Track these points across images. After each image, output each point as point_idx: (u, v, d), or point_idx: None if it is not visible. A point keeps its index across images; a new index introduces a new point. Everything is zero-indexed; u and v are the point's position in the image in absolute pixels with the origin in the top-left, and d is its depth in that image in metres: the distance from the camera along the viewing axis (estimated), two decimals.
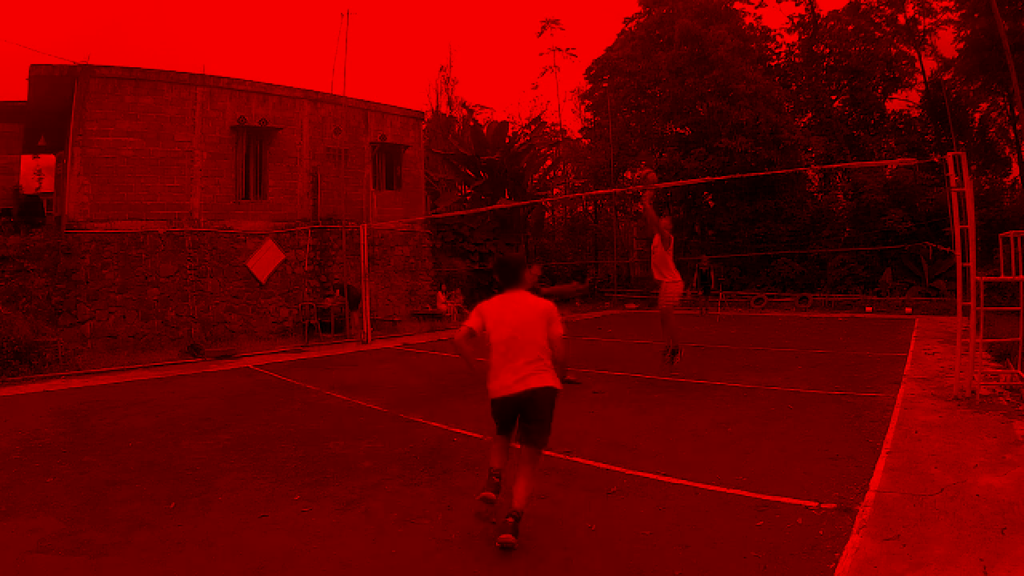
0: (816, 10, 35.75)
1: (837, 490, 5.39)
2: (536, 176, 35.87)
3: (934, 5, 33.41)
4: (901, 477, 5.66)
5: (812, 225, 31.08)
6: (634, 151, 36.59)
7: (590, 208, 40.09)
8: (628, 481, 5.79)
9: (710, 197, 34.15)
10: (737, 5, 36.85)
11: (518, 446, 4.93)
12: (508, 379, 4.81)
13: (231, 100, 18.91)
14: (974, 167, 18.67)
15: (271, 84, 19.89)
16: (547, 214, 38.38)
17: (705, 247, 29.89)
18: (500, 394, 4.87)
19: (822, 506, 5.05)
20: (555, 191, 38.69)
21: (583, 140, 43.50)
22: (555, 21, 49.73)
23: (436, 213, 25.99)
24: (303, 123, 20.45)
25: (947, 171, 8.16)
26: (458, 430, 7.62)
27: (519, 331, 4.86)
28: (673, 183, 24.85)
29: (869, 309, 24.19)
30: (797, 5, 36.46)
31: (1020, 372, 8.97)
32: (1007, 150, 31.67)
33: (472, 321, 5.04)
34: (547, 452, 6.55)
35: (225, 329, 18.03)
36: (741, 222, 31.30)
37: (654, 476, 5.89)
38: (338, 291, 19.44)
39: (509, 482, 4.85)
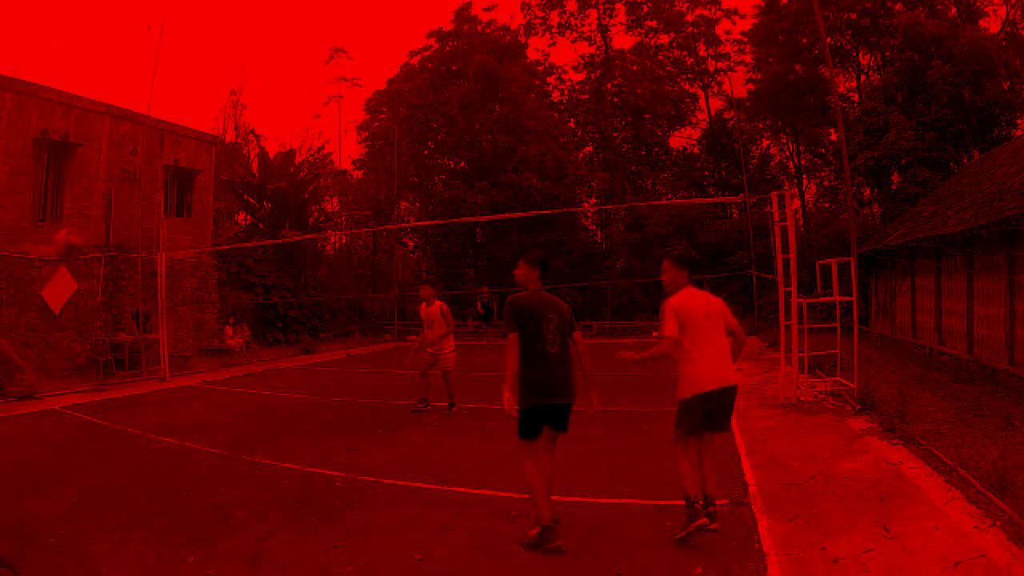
0: (610, 51, 38.31)
1: (719, 488, 5.89)
2: (315, 208, 35.03)
3: (728, 49, 37.30)
4: (771, 472, 6.40)
5: (591, 256, 32.96)
6: (415, 184, 36.90)
7: (368, 241, 39.68)
8: (523, 504, 5.83)
9: (479, 231, 35.06)
10: (530, 41, 38.88)
11: None
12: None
13: (37, 110, 16.73)
14: (754, 199, 21.01)
15: (75, 95, 17.90)
16: (327, 246, 37.68)
17: (483, 279, 30.64)
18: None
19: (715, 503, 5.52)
20: (336, 222, 38.09)
21: (355, 172, 43.21)
22: (342, 49, 49.26)
23: (227, 244, 24.68)
24: (102, 141, 18.56)
25: (768, 207, 9.13)
26: (315, 470, 7.28)
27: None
28: (453, 220, 25.54)
29: (656, 334, 25.90)
30: (591, 45, 39.02)
31: (840, 379, 10.17)
32: (786, 184, 35.06)
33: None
34: (426, 485, 6.61)
35: None
36: (522, 253, 32.36)
37: None
38: (134, 323, 17.95)
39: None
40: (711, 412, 5.02)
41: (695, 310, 5.05)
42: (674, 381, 5.26)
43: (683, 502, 4.98)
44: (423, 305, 10.89)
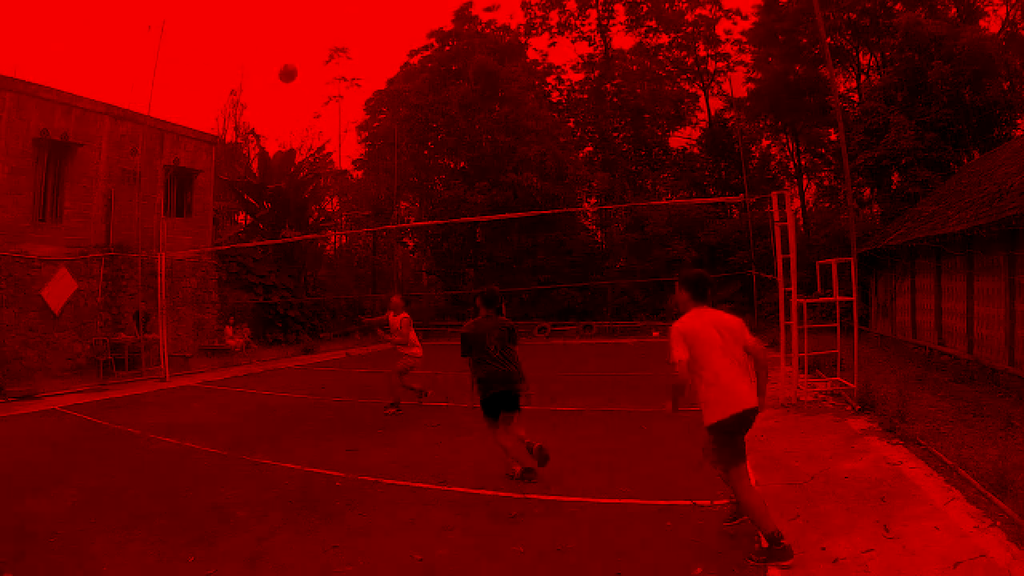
0: (610, 51, 38.29)
1: (719, 488, 5.88)
2: (315, 208, 35.08)
3: (729, 48, 37.29)
4: (770, 472, 6.41)
5: (592, 256, 32.96)
6: (415, 184, 36.87)
7: (368, 241, 39.69)
8: (523, 504, 5.91)
9: (479, 231, 35.10)
10: (530, 42, 38.88)
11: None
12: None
13: (37, 110, 16.75)
14: (754, 199, 21.08)
15: (75, 95, 17.89)
16: (327, 246, 37.75)
17: (484, 279, 30.72)
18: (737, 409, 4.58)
19: (715, 503, 5.63)
20: (336, 222, 38.04)
21: (355, 172, 43.12)
22: (343, 50, 49.25)
23: (227, 244, 24.68)
24: (102, 141, 18.57)
25: (768, 207, 9.14)
26: (315, 470, 7.28)
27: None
28: (454, 219, 25.55)
29: (656, 334, 25.96)
30: (591, 45, 39.02)
31: (840, 379, 10.18)
32: (786, 184, 35.38)
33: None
34: (426, 485, 6.60)
35: (21, 366, 15.77)
36: (522, 253, 32.50)
37: (546, 497, 6.08)
38: (134, 323, 17.97)
39: None
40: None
41: (703, 330, 4.72)
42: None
43: (688, 503, 5.23)
44: (391, 313, 11.38)
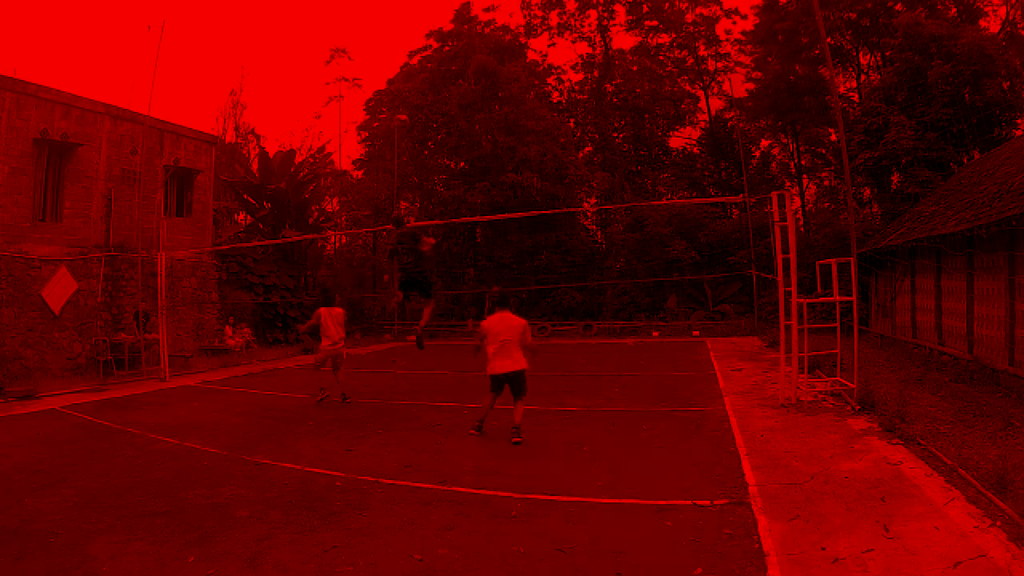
0: (610, 52, 38.28)
1: (719, 488, 6.00)
2: (315, 208, 35.09)
3: (729, 48, 37.31)
4: (770, 472, 6.40)
5: (592, 256, 32.95)
6: (415, 184, 36.86)
7: (368, 241, 39.53)
8: (523, 504, 5.91)
9: (479, 231, 35.19)
10: (530, 42, 38.84)
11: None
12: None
13: (37, 110, 16.70)
14: (754, 199, 21.16)
15: (75, 95, 17.86)
16: (327, 246, 37.71)
17: (485, 278, 30.72)
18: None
19: (715, 503, 5.63)
20: (336, 222, 38.06)
21: (355, 172, 43.03)
22: (343, 50, 49.17)
23: (227, 244, 24.67)
24: (102, 141, 18.53)
25: (768, 207, 9.13)
26: (315, 470, 7.27)
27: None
28: (455, 219, 25.57)
29: (656, 334, 26.00)
30: (590, 46, 39.04)
31: (840, 379, 10.17)
32: (787, 184, 35.42)
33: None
34: (426, 485, 6.60)
35: (21, 366, 15.74)
36: (522, 253, 32.49)
37: (544, 496, 6.08)
38: (135, 323, 17.97)
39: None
40: (510, 386, 8.63)
41: (495, 325, 8.60)
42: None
43: (688, 503, 5.45)
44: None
